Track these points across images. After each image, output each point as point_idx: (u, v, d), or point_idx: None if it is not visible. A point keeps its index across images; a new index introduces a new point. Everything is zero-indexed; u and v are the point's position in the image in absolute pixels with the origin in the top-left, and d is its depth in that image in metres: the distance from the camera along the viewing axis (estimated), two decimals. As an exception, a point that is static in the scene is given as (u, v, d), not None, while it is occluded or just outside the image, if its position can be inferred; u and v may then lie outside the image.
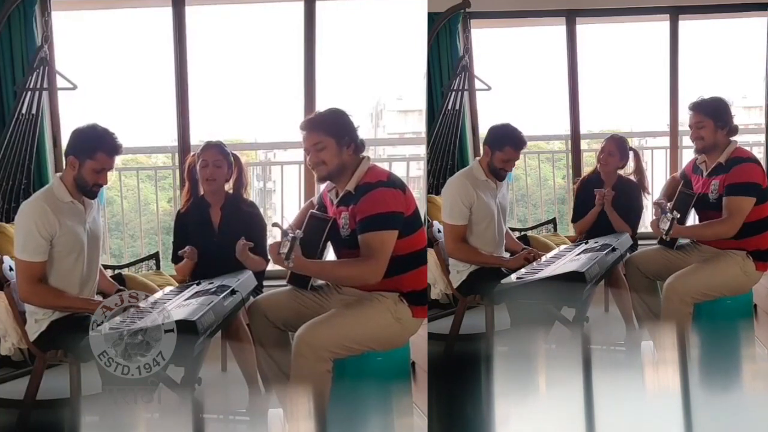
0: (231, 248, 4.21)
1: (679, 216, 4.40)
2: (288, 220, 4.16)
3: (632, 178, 4.97)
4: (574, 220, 5.01)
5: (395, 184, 3.74)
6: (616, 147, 4.92)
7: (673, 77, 5.27)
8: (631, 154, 4.95)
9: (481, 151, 4.71)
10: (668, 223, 4.33)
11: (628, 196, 4.92)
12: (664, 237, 4.43)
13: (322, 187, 3.99)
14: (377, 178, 3.74)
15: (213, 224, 4.35)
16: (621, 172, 4.97)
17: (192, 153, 4.47)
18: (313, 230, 3.87)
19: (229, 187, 4.41)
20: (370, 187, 3.71)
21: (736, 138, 4.54)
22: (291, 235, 3.52)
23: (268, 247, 3.78)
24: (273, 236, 4.45)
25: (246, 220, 4.35)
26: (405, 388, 3.92)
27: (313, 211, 3.96)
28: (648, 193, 5.02)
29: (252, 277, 4.25)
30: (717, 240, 4.49)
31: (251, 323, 3.98)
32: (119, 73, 4.87)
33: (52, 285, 3.89)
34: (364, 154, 3.83)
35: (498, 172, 4.59)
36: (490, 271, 4.58)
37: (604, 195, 4.88)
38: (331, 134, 3.74)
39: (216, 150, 4.35)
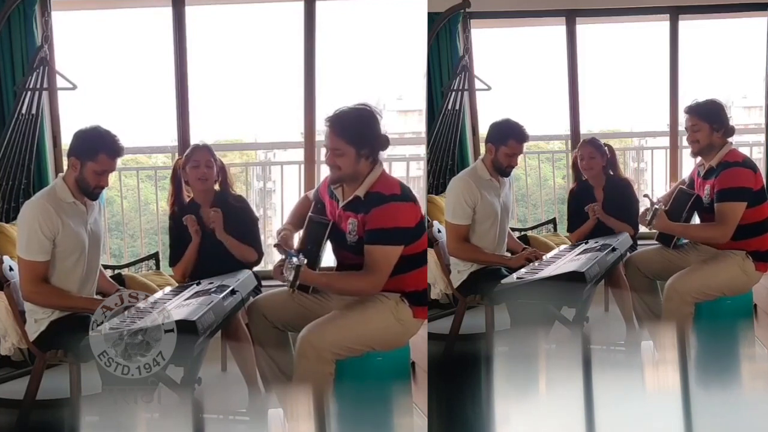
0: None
1: (665, 208, 4.42)
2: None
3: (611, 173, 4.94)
4: (569, 230, 4.99)
5: (407, 198, 3.72)
6: (595, 149, 4.89)
7: (673, 77, 5.27)
8: (606, 149, 4.93)
9: (482, 150, 4.71)
10: (651, 213, 4.37)
11: (622, 194, 4.90)
12: (647, 227, 4.44)
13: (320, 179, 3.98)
14: (390, 190, 3.72)
15: (206, 223, 4.36)
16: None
17: (178, 158, 4.48)
18: (313, 233, 3.87)
19: (217, 187, 4.44)
20: (383, 200, 3.69)
21: (735, 138, 4.55)
22: (296, 262, 3.54)
23: (273, 268, 3.79)
24: (274, 236, 4.47)
25: (237, 213, 4.38)
26: (405, 388, 3.92)
27: (312, 214, 3.95)
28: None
29: (252, 276, 4.26)
30: (709, 244, 4.50)
31: (250, 323, 3.98)
32: (119, 73, 4.87)
33: (53, 284, 3.89)
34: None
35: (503, 169, 4.59)
36: (490, 271, 4.58)
37: (594, 209, 4.85)
38: (352, 144, 3.70)
39: (207, 151, 4.40)
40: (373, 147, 3.73)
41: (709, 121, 4.48)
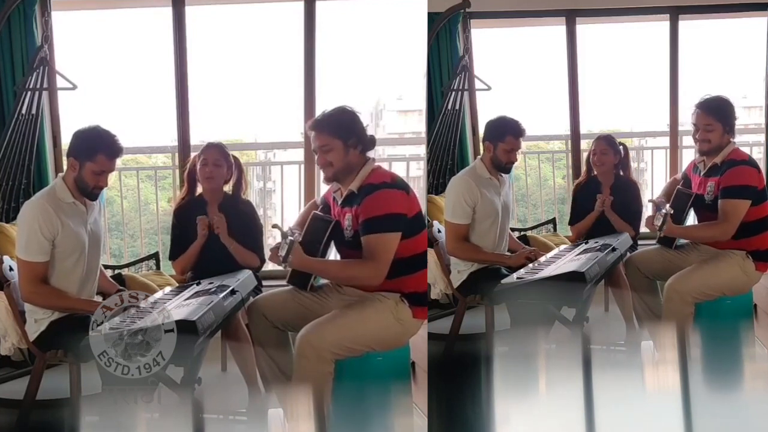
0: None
1: (672, 212, 4.40)
2: (288, 220, 4.19)
3: (621, 173, 4.94)
4: (571, 223, 4.99)
5: (399, 186, 3.75)
6: (608, 145, 4.90)
7: (673, 77, 5.27)
8: (621, 148, 4.92)
9: (482, 149, 4.71)
10: (661, 219, 4.34)
11: (627, 195, 4.90)
12: (658, 233, 4.43)
13: (325, 187, 4.00)
14: (381, 179, 3.75)
15: (211, 225, 4.36)
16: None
17: (194, 155, 4.49)
18: (316, 231, 3.88)
19: (228, 188, 4.43)
20: (374, 188, 3.72)
21: (736, 138, 4.54)
22: (290, 237, 3.57)
23: (268, 250, 3.80)
24: (273, 237, 4.47)
25: (242, 218, 4.37)
26: (405, 388, 3.92)
27: (316, 212, 3.97)
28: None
29: (252, 276, 4.26)
30: (712, 242, 4.49)
31: (250, 323, 3.98)
32: (119, 73, 4.87)
33: (52, 285, 3.89)
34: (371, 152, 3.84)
35: (503, 166, 4.58)
36: (491, 271, 4.57)
37: (604, 201, 4.85)
38: (338, 136, 3.75)
39: (216, 150, 4.38)
40: (359, 137, 3.77)
41: (723, 122, 4.46)
